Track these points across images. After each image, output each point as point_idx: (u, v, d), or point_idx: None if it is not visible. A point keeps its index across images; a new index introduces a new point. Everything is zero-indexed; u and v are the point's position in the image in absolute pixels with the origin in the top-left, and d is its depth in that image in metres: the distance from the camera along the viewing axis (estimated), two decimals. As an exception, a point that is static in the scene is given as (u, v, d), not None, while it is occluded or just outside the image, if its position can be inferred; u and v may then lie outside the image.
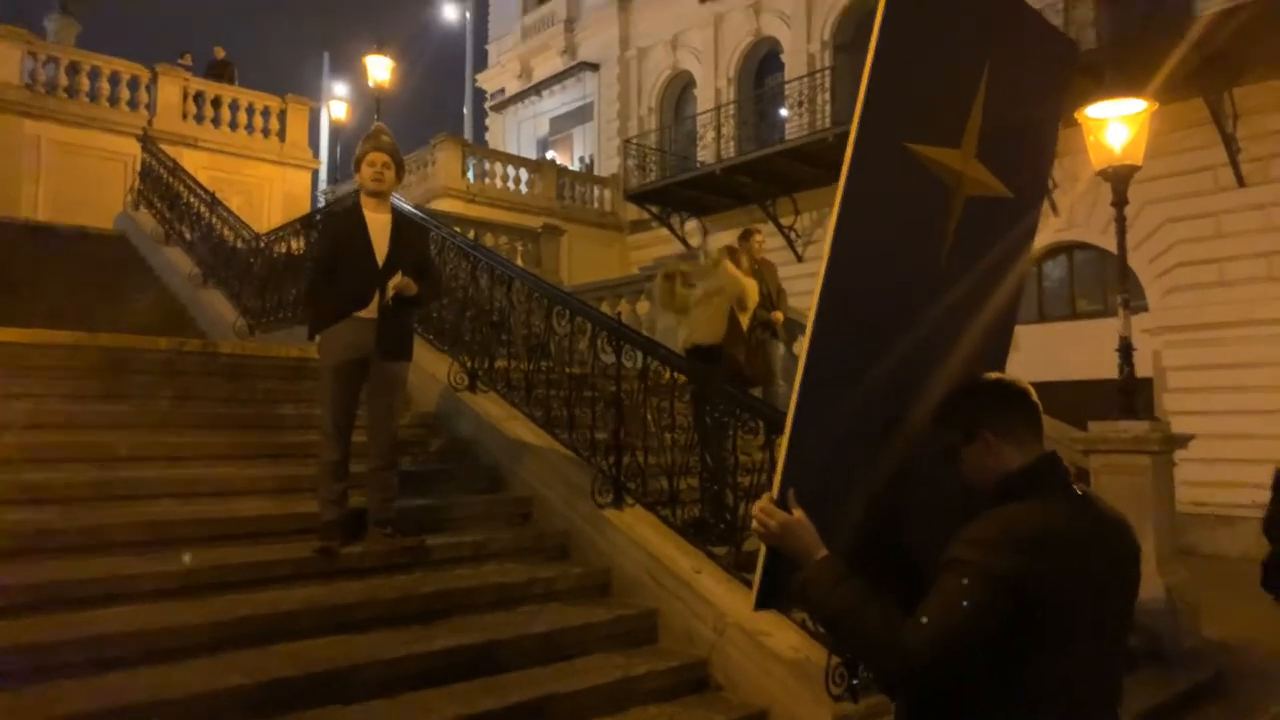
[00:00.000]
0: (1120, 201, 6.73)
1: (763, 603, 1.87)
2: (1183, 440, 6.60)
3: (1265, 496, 4.74)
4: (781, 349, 7.99)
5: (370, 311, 4.49)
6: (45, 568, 3.73)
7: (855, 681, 3.70)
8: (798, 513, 1.77)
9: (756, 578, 1.83)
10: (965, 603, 1.59)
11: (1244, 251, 11.51)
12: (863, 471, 1.86)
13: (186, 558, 3.93)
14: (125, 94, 14.83)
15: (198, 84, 15.74)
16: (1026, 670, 1.62)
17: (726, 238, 18.06)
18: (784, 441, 1.80)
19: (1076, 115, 6.65)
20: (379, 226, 4.60)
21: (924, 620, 1.60)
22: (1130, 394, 6.57)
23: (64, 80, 14.29)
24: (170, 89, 15.15)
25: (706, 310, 5.92)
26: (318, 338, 4.60)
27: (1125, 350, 6.62)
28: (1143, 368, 7.96)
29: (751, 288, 6.06)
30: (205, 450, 5.18)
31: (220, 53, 17.10)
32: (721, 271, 6.08)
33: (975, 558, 1.62)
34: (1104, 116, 6.63)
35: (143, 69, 15.03)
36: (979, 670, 1.61)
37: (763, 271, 7.57)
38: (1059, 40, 2.36)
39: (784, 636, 4.00)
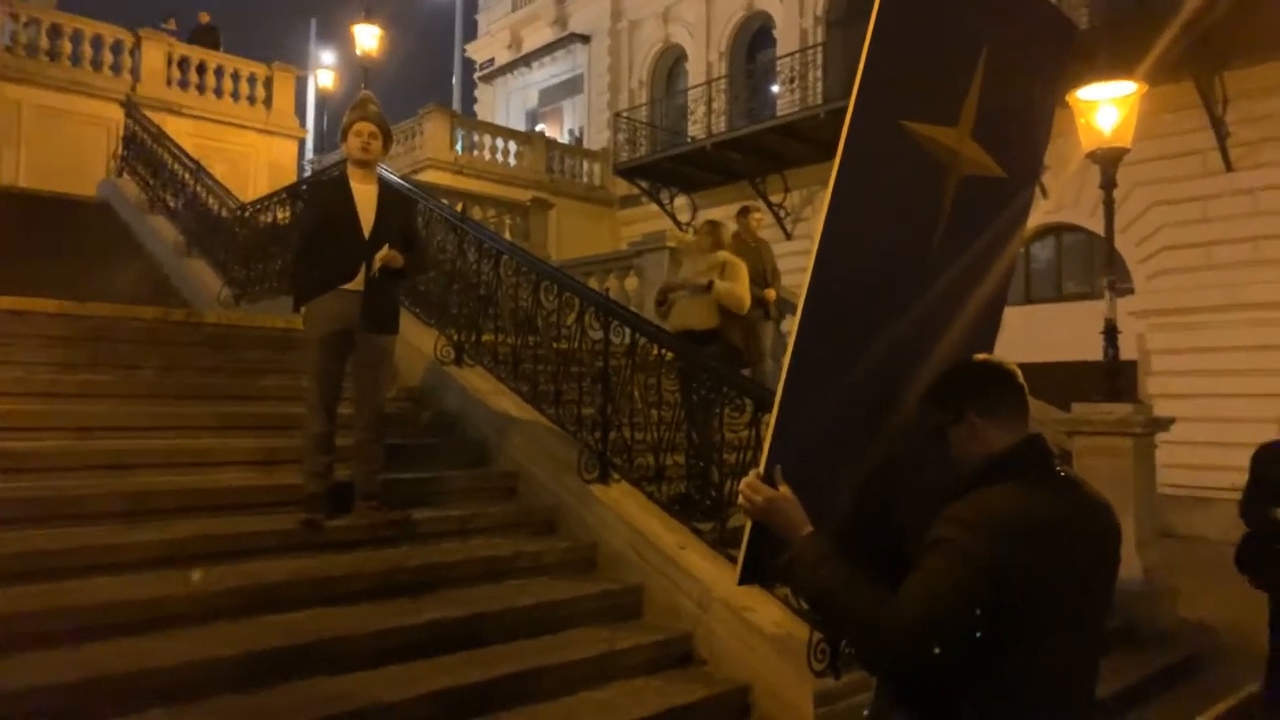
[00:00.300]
0: (1109, 184, 6.74)
1: (747, 578, 1.88)
2: (1165, 423, 6.66)
3: (1244, 479, 4.79)
4: (771, 328, 8.00)
5: (356, 284, 4.45)
6: (27, 537, 3.71)
7: (837, 658, 3.73)
8: (784, 489, 1.78)
9: (741, 553, 1.84)
10: (947, 583, 1.60)
11: (1230, 236, 11.57)
12: (851, 450, 1.86)
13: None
14: (108, 58, 14.58)
15: (182, 49, 15.50)
16: (1005, 651, 1.64)
17: (716, 213, 17.98)
18: (772, 418, 1.80)
19: (1067, 97, 6.63)
20: (365, 197, 4.55)
21: (906, 599, 1.61)
22: (1114, 376, 6.61)
23: (45, 43, 14.03)
24: (154, 54, 14.90)
25: (695, 296, 5.84)
26: (303, 309, 4.57)
27: (1110, 333, 6.66)
28: (1127, 350, 8.01)
29: (742, 269, 6.03)
30: (190, 420, 5.16)
31: (205, 18, 16.82)
32: (727, 260, 6.03)
33: (957, 538, 1.63)
34: (1095, 99, 6.62)
35: (126, 33, 14.78)
36: (959, 652, 1.62)
37: (759, 250, 7.55)
38: (1059, 20, 2.35)
39: (767, 612, 4.03)
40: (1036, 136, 2.27)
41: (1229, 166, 11.60)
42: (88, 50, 14.36)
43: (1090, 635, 1.79)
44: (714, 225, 6.31)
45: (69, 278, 8.92)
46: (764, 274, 7.32)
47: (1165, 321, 12.00)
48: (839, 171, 1.72)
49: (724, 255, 6.08)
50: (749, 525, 1.82)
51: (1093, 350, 7.04)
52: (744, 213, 7.85)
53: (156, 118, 12.86)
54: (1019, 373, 1.84)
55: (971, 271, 2.03)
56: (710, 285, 5.74)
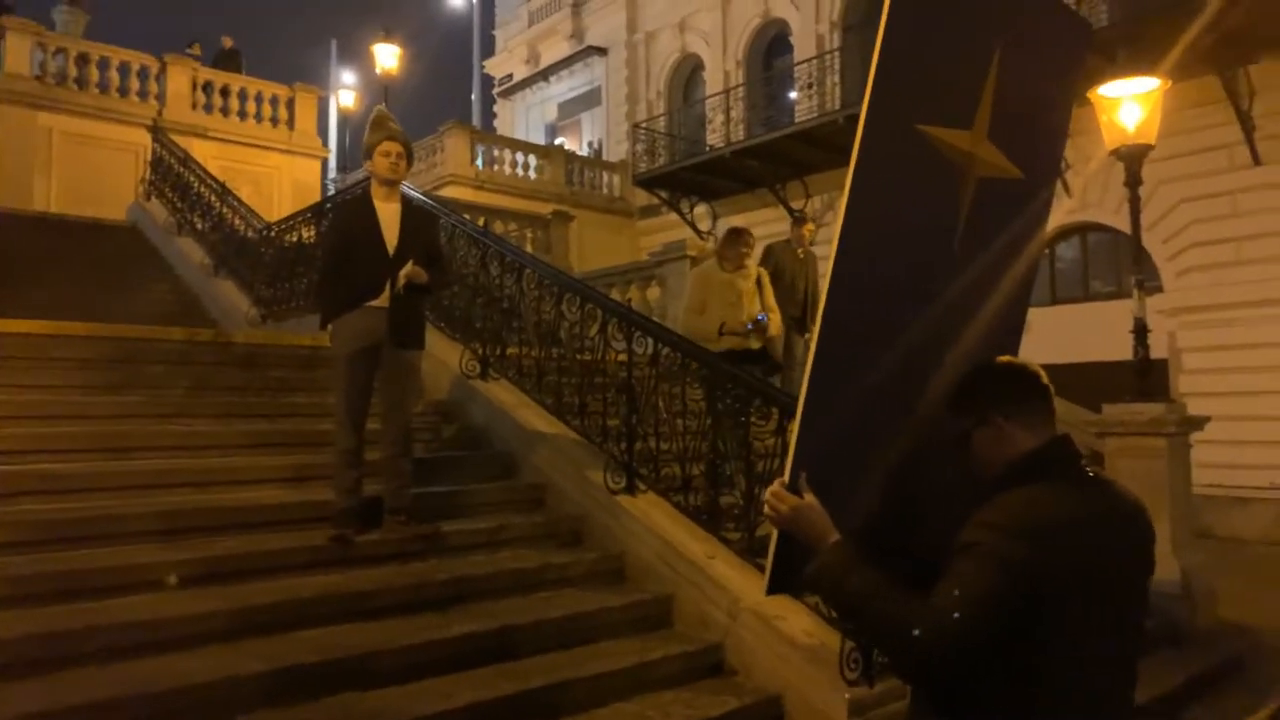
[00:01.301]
0: (1134, 182, 6.67)
1: (775, 587, 1.87)
2: (1199, 422, 6.56)
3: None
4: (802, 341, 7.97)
5: (382, 300, 4.50)
6: (63, 558, 3.77)
7: (870, 666, 3.70)
8: (809, 497, 1.77)
9: (769, 563, 1.84)
10: (978, 588, 1.58)
11: (1260, 230, 11.39)
12: (876, 456, 1.85)
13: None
14: (135, 84, 14.86)
15: (206, 73, 15.75)
16: (1040, 656, 1.62)
17: (736, 221, 18.02)
18: (795, 426, 1.79)
19: (1089, 94, 6.57)
20: (389, 215, 4.60)
21: (938, 605, 1.59)
22: (1145, 376, 6.52)
23: (73, 71, 14.32)
24: (179, 79, 15.16)
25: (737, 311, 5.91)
26: (330, 327, 4.61)
27: (1140, 331, 6.57)
28: (1157, 349, 7.90)
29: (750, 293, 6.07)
30: (220, 439, 5.22)
31: (228, 42, 17.10)
32: (762, 276, 6.11)
33: (988, 541, 1.61)
34: (1117, 95, 6.55)
35: (152, 59, 15.05)
36: (993, 657, 1.60)
37: (807, 260, 7.48)
38: (1073, 19, 2.34)
39: (798, 621, 4.00)
40: (1054, 137, 2.25)
41: (1257, 160, 11.44)
42: (114, 77, 14.64)
43: (1127, 637, 1.77)
44: (738, 234, 6.24)
45: (99, 300, 9.07)
46: (809, 286, 7.26)
47: (1196, 319, 11.83)
48: (854, 178, 1.71)
49: (756, 270, 6.13)
50: (775, 535, 1.81)
51: (1122, 350, 6.95)
52: (798, 222, 7.73)
53: (183, 141, 13.08)
54: (1044, 374, 1.82)
55: (993, 273, 2.02)
56: (766, 325, 5.88)
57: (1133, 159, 6.61)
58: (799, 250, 7.43)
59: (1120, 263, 12.52)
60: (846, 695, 3.65)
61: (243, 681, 3.20)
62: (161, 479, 4.64)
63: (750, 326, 5.86)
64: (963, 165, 1.91)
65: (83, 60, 14.45)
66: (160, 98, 14.99)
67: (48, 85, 14.03)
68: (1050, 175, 2.29)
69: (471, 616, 3.97)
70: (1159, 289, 11.98)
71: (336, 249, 4.69)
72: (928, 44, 1.79)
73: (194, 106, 15.29)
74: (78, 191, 13.45)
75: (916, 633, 1.59)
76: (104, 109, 14.34)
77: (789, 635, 3.95)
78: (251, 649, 3.44)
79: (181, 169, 11.87)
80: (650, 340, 5.16)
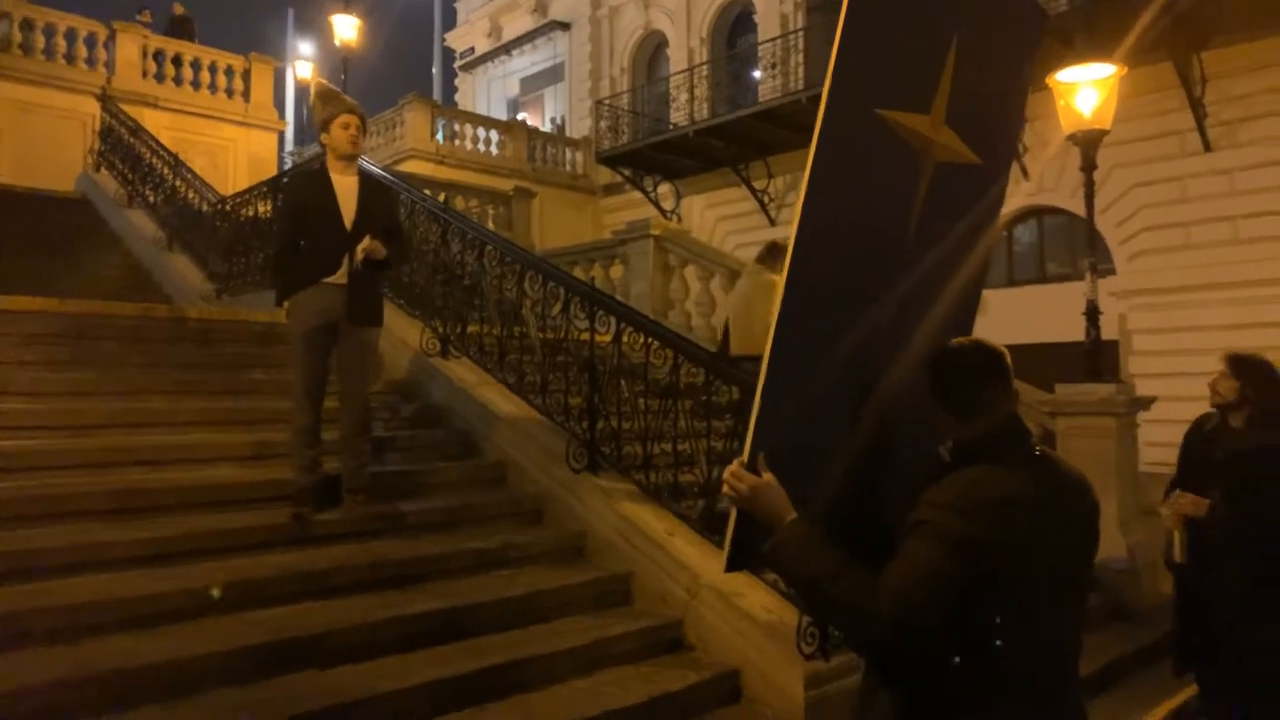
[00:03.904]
0: (1089, 166, 6.78)
1: (734, 564, 1.90)
2: (1146, 402, 6.73)
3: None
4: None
5: (340, 277, 4.44)
6: (14, 536, 3.70)
7: (826, 641, 3.78)
8: (767, 476, 1.80)
9: (727, 540, 1.86)
10: (924, 565, 1.63)
11: (1209, 215, 11.66)
12: (834, 436, 1.88)
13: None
14: (83, 51, 14.39)
15: (157, 41, 15.30)
16: (988, 629, 1.67)
17: (699, 201, 18.06)
18: (755, 406, 1.82)
19: (1047, 80, 6.66)
20: (346, 189, 4.53)
21: (888, 582, 1.64)
22: (1096, 357, 6.67)
23: (18, 37, 13.83)
24: (129, 46, 14.71)
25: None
26: (286, 304, 4.55)
27: (1092, 314, 6.71)
28: (1109, 331, 8.07)
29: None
30: (176, 416, 5.14)
31: (179, 9, 16.61)
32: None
33: (936, 519, 1.66)
34: (1074, 81, 6.65)
35: (100, 25, 14.58)
36: (944, 630, 1.65)
37: None
38: (1029, 7, 2.37)
39: (756, 597, 4.06)
40: (1009, 123, 2.29)
41: (1208, 147, 11.68)
42: (61, 43, 14.17)
43: (1072, 612, 1.83)
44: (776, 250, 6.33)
45: (48, 274, 8.85)
46: None
47: (1146, 302, 12.09)
48: (814, 160, 1.73)
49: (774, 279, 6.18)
50: (734, 513, 1.84)
51: (1075, 331, 7.09)
52: None
53: (133, 111, 12.73)
54: (1007, 354, 1.86)
55: (949, 256, 2.05)
56: None
57: (1088, 144, 6.72)
58: None
59: (1075, 246, 12.74)
60: (803, 669, 3.72)
61: (202, 660, 3.18)
62: (115, 457, 4.57)
63: None
64: (921, 150, 1.94)
65: (27, 25, 13.95)
66: (109, 65, 14.54)
67: (-9, 51, 13.56)
68: (1006, 161, 2.32)
69: (431, 595, 3.98)
70: (1111, 272, 12.22)
71: (292, 224, 4.61)
72: (888, 29, 1.80)
73: (144, 75, 14.85)
74: (24, 161, 13.02)
75: (867, 608, 1.63)
76: (50, 76, 13.87)
77: (747, 611, 4.01)
78: (208, 628, 3.41)
79: (132, 139, 11.57)
80: (613, 319, 5.16)
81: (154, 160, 10.89)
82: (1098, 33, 9.53)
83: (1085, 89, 6.62)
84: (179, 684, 3.09)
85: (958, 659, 1.68)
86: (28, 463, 4.31)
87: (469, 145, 18.23)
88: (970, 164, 2.05)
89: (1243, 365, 3.76)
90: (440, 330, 6.21)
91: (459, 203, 11.49)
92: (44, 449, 4.46)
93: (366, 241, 4.41)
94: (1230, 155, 11.54)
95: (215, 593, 3.58)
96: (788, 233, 1.76)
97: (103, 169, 12.24)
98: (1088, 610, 1.92)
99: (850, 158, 1.79)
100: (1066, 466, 1.86)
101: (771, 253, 6.41)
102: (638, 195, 18.58)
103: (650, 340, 5.05)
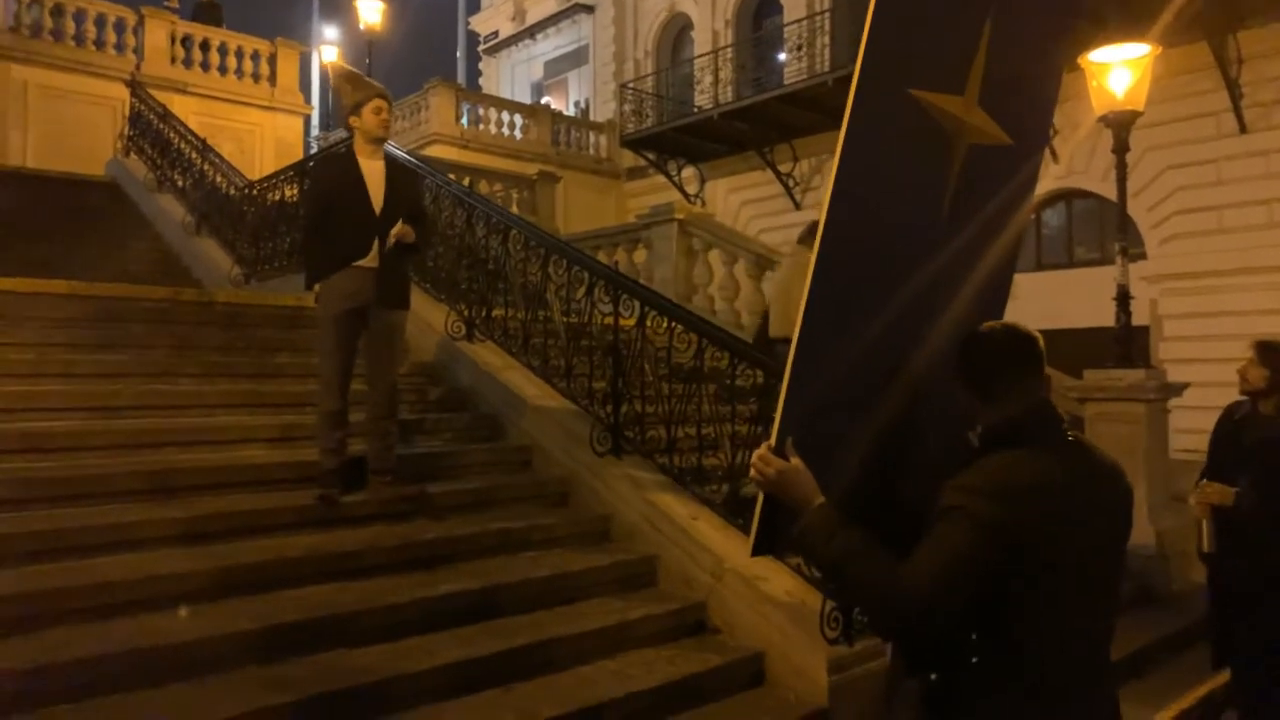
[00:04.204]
0: (1121, 148, 6.67)
1: (760, 549, 1.90)
2: (1178, 388, 6.64)
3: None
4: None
5: (370, 260, 4.47)
6: (49, 516, 3.76)
7: (850, 625, 3.77)
8: (795, 460, 1.79)
9: (754, 525, 1.86)
10: (955, 550, 1.62)
11: (1244, 199, 11.45)
12: (862, 420, 1.87)
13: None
14: (112, 37, 14.52)
15: (185, 27, 15.41)
16: (1019, 615, 1.65)
17: (723, 185, 17.97)
18: (782, 389, 1.81)
19: (1079, 60, 6.56)
20: (374, 173, 4.55)
21: (916, 566, 1.63)
22: (1126, 342, 6.59)
23: (49, 23, 13.97)
24: (158, 32, 14.83)
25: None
26: (316, 287, 4.58)
27: (1123, 298, 6.62)
28: (1139, 316, 7.97)
29: None
30: (205, 399, 5.20)
31: (207, -6, 16.72)
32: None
33: (966, 504, 1.64)
34: (1106, 61, 6.54)
35: (129, 11, 14.70)
36: (974, 615, 1.64)
37: None
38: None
39: (780, 581, 4.06)
40: (1043, 105, 2.25)
41: (1243, 128, 11.46)
42: (91, 29, 14.30)
43: (1103, 598, 1.81)
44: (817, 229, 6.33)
45: (79, 258, 8.97)
46: None
47: (1178, 286, 11.91)
48: (845, 142, 1.71)
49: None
50: (761, 497, 1.83)
51: (1105, 316, 7.00)
52: None
53: (162, 96, 12.83)
54: (1040, 338, 1.84)
55: (980, 239, 2.03)
56: None
57: (1121, 125, 6.62)
58: None
59: (1105, 229, 12.57)
60: (827, 653, 3.72)
61: (230, 639, 3.23)
62: (147, 438, 4.63)
63: None
64: (953, 131, 1.91)
65: (58, 12, 14.09)
66: (138, 51, 14.67)
67: (22, 37, 13.69)
68: (1039, 143, 2.29)
69: (458, 576, 4.01)
70: (1143, 256, 12.04)
71: (320, 207, 4.64)
72: (921, 8, 1.78)
73: (173, 61, 14.98)
74: (55, 146, 13.19)
75: (894, 592, 1.63)
76: (80, 62, 14.02)
77: (771, 595, 4.01)
78: (237, 608, 3.46)
79: (161, 124, 11.67)
80: (637, 303, 5.15)
81: (182, 145, 10.98)
82: (1131, 12, 9.34)
83: (1118, 69, 6.51)
84: (208, 661, 3.14)
85: (985, 644, 1.67)
86: (61, 443, 4.38)
87: (493, 129, 18.24)
88: (1003, 145, 2.02)
89: (1271, 352, 3.70)
90: (465, 314, 6.23)
91: (483, 187, 11.52)
92: (77, 429, 4.53)
93: (399, 226, 4.45)
94: (1267, 137, 11.31)
95: (247, 573, 3.62)
96: (816, 216, 1.75)
97: (132, 154, 12.36)
98: (1118, 597, 1.89)
99: (882, 139, 1.77)
100: (1099, 452, 1.84)
101: (812, 232, 6.36)
102: (662, 179, 18.52)
103: (674, 324, 5.05)
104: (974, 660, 1.68)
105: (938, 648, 1.71)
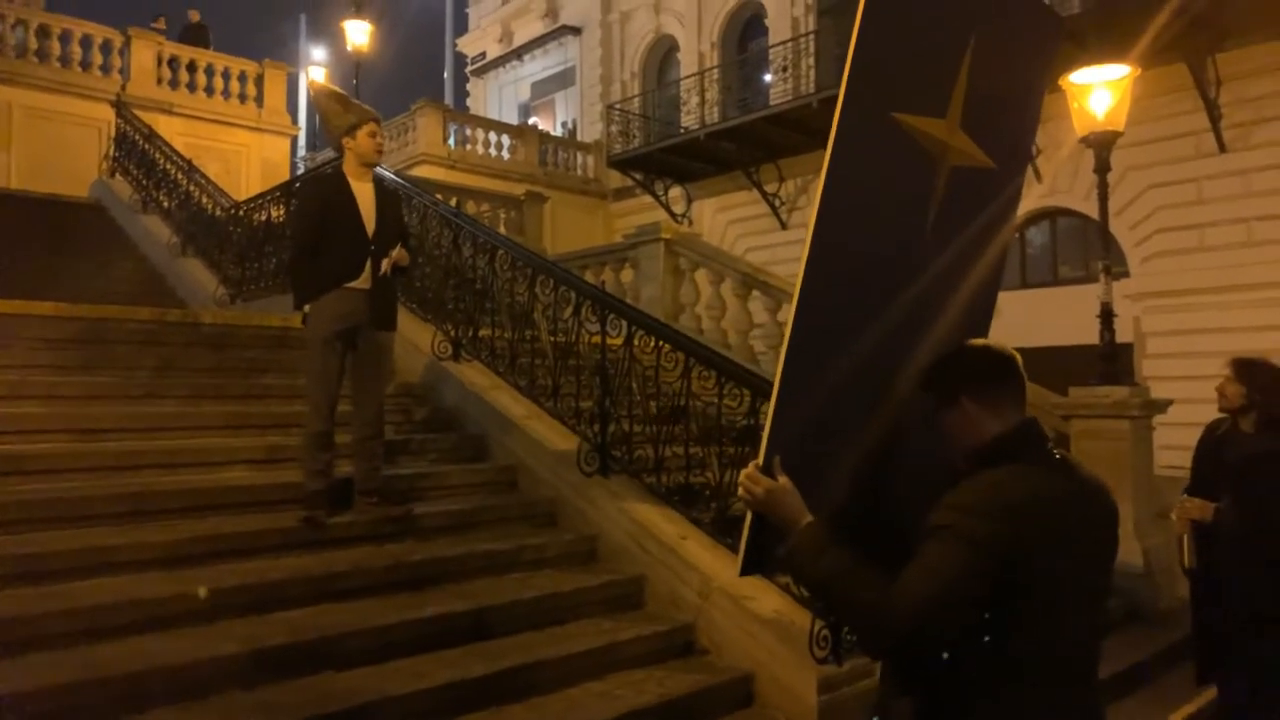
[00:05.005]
0: (1102, 168, 6.75)
1: (748, 568, 1.89)
2: (1162, 405, 6.69)
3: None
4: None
5: (363, 282, 4.47)
6: (31, 539, 3.72)
7: (839, 644, 3.76)
8: (783, 479, 1.79)
9: (742, 544, 1.86)
10: (947, 568, 1.62)
11: (1224, 217, 11.59)
12: (849, 439, 1.88)
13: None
14: (98, 58, 14.51)
15: (172, 48, 15.43)
16: (1008, 634, 1.66)
17: (710, 205, 18.05)
18: (770, 409, 1.81)
19: (1060, 81, 6.64)
20: (365, 195, 4.56)
21: (906, 585, 1.63)
22: (1111, 360, 6.64)
23: (34, 44, 13.95)
24: (144, 53, 14.84)
25: None
26: (306, 308, 4.55)
27: (1106, 316, 6.68)
28: (1123, 333, 8.03)
29: None
30: (190, 420, 5.17)
31: (195, 16, 16.75)
32: None
33: (956, 523, 1.65)
34: (1087, 82, 6.63)
35: (115, 32, 14.71)
36: (961, 635, 1.64)
37: None
38: (1044, 12, 2.37)
39: (768, 600, 4.05)
40: (1024, 127, 2.28)
41: (1223, 148, 11.62)
42: (77, 50, 14.30)
43: (1092, 616, 1.81)
44: None
45: (63, 279, 8.93)
46: None
47: (1161, 304, 12.02)
48: (830, 164, 1.73)
49: None
50: (749, 516, 1.83)
51: (1089, 334, 7.06)
52: None
53: (148, 117, 12.84)
54: (1017, 357, 1.85)
55: (964, 259, 2.05)
56: None
57: (1102, 145, 6.70)
58: None
59: (1088, 248, 12.69)
60: (816, 673, 3.70)
61: (216, 663, 3.19)
62: (130, 460, 4.59)
63: None
64: (937, 154, 1.93)
65: (44, 33, 14.08)
66: (124, 72, 14.67)
67: (8, 59, 13.66)
68: (1020, 165, 2.32)
69: (445, 597, 3.98)
70: (1125, 274, 12.15)
71: (312, 228, 4.59)
72: (904, 32, 1.80)
73: (159, 82, 14.98)
74: (39, 167, 13.15)
75: (884, 611, 1.63)
76: (66, 83, 14.00)
77: (759, 615, 4.00)
78: (224, 631, 3.43)
79: (146, 145, 11.66)
80: (624, 323, 5.16)
81: (168, 166, 10.98)
82: (1111, 34, 9.48)
83: (1099, 90, 6.60)
84: (194, 686, 3.10)
85: (975, 661, 1.67)
86: (42, 466, 4.33)
87: (480, 150, 18.28)
88: (985, 168, 2.04)
89: (1247, 369, 3.74)
90: (452, 334, 6.23)
91: (470, 207, 11.55)
92: (58, 452, 4.49)
93: (397, 251, 4.51)
94: (1245, 157, 11.47)
95: (232, 596, 3.59)
96: (802, 236, 1.76)
97: (117, 175, 12.34)
98: (1106, 614, 1.90)
99: (866, 161, 1.79)
100: (1085, 471, 1.85)
101: None
102: (649, 199, 18.59)
103: (661, 344, 5.05)
104: (963, 676, 1.68)
105: (927, 664, 1.71)
